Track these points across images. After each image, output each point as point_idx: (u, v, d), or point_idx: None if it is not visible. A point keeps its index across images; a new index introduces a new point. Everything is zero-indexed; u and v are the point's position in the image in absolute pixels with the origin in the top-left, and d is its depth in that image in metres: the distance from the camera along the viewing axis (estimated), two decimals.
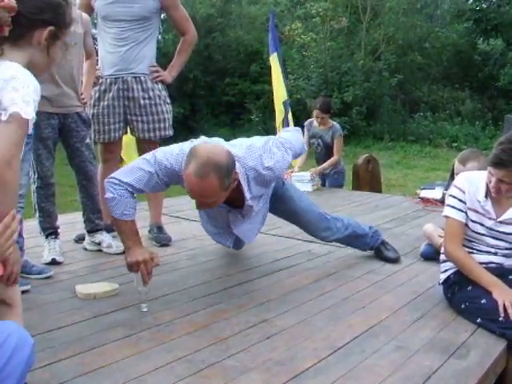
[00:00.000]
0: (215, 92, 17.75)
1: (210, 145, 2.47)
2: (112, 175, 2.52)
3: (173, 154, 2.50)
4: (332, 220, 3.11)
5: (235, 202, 2.64)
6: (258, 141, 2.65)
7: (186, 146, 2.50)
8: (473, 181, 2.51)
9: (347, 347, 2.11)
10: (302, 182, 5.61)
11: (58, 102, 3.05)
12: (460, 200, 2.50)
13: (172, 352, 2.04)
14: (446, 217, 2.53)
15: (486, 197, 2.45)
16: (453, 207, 2.51)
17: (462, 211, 2.49)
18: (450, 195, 2.55)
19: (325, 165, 5.88)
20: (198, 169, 2.24)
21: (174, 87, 13.72)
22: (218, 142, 2.66)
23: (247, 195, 2.56)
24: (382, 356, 2.04)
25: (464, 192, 2.49)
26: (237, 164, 2.44)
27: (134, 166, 2.53)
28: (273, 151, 2.59)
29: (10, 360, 1.32)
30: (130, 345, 2.10)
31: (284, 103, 6.61)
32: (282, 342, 2.14)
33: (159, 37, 16.25)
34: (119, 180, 2.46)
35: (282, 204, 3.00)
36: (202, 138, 2.66)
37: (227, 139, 2.80)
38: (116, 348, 2.07)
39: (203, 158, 2.26)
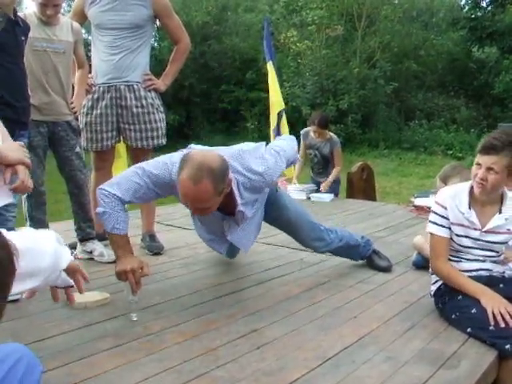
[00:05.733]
0: (211, 99, 17.77)
1: (202, 151, 2.47)
2: (102, 186, 2.50)
3: (163, 164, 2.49)
4: (325, 231, 3.08)
5: (227, 208, 2.62)
6: (248, 146, 2.64)
7: (175, 157, 2.49)
8: (455, 194, 2.48)
9: (337, 357, 2.10)
10: (296, 190, 5.62)
11: (48, 110, 3.05)
12: (442, 216, 2.48)
13: (161, 362, 2.03)
14: (430, 233, 2.53)
15: (469, 208, 2.44)
16: (435, 223, 2.50)
17: (445, 227, 2.48)
18: (432, 211, 2.54)
19: (330, 178, 5.86)
20: (192, 174, 2.23)
21: (169, 94, 13.80)
22: (208, 149, 2.65)
23: (238, 200, 2.54)
24: (372, 367, 2.03)
25: (446, 208, 2.48)
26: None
27: (124, 177, 2.51)
28: (264, 157, 2.57)
29: None
30: (119, 355, 2.08)
31: (279, 112, 6.62)
32: (271, 352, 2.13)
33: (155, 44, 16.32)
34: (109, 192, 2.45)
35: (274, 211, 2.97)
36: (192, 146, 2.66)
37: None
38: (105, 358, 2.06)
39: (197, 163, 2.25)
